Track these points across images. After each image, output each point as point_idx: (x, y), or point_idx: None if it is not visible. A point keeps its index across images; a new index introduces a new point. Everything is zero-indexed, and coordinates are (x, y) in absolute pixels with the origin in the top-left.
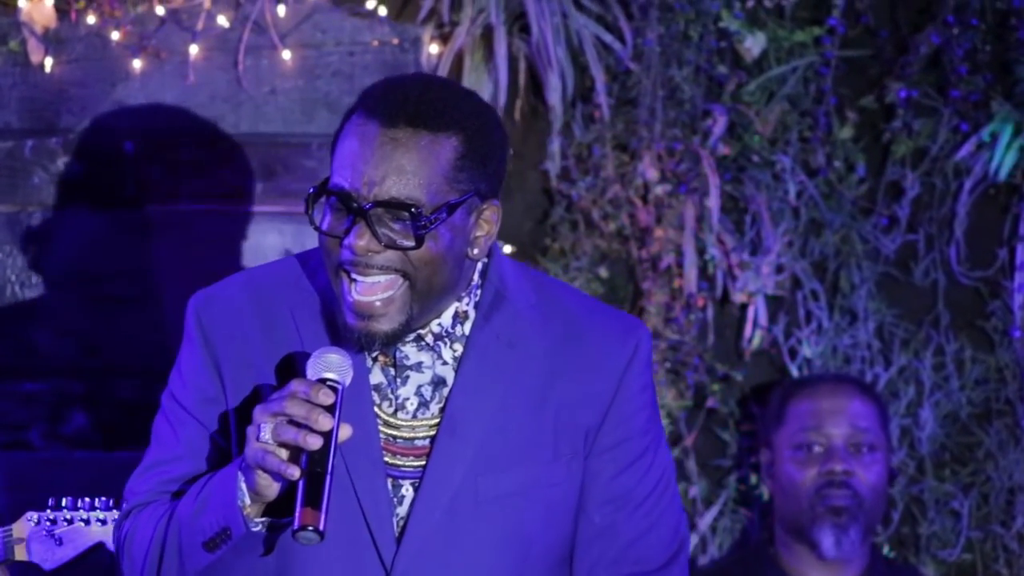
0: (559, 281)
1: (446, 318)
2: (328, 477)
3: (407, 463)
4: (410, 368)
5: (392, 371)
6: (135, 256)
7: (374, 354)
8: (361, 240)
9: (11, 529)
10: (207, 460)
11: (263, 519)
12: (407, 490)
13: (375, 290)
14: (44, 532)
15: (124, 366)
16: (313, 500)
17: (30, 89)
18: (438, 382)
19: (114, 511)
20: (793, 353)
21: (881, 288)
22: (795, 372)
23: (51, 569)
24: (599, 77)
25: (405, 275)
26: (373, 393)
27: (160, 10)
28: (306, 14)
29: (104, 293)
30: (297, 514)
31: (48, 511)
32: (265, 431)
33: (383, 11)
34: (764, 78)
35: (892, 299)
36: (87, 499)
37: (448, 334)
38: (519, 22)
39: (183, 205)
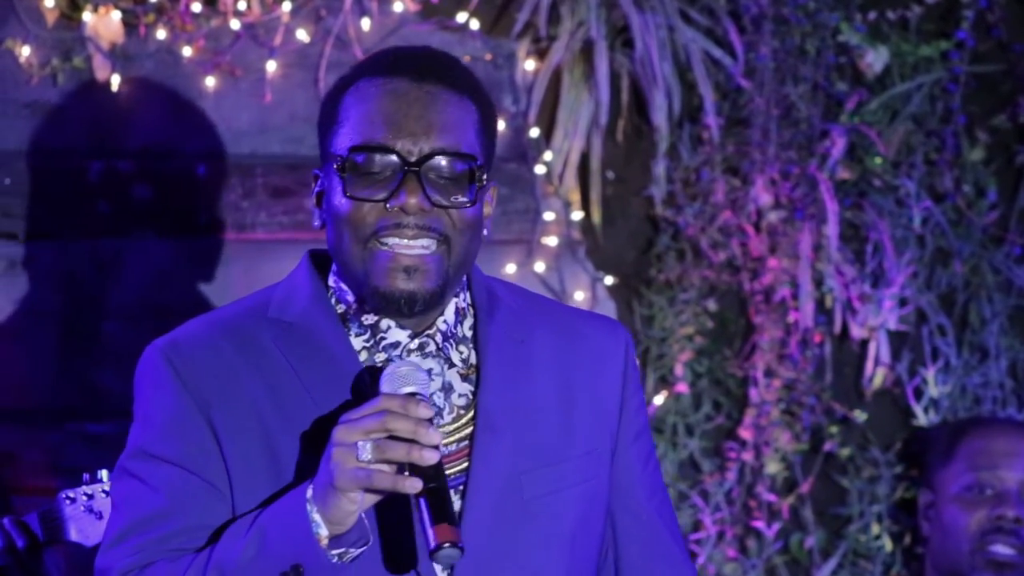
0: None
1: (449, 314)
2: (450, 491)
3: None
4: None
5: None
6: (208, 288)
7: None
8: (413, 198)
9: (47, 510)
10: (202, 511)
11: (340, 550)
12: None
13: (415, 248)
14: (83, 509)
15: None
16: (444, 516)
17: (95, 109)
18: (447, 389)
19: None
20: (918, 393)
21: (1015, 323)
22: (920, 413)
23: (94, 546)
24: (708, 95)
25: (445, 240)
26: None
27: (235, 24)
28: (392, 28)
29: (174, 328)
30: (431, 533)
31: (84, 486)
32: (365, 450)
33: (475, 24)
34: (887, 96)
35: None
36: None
37: (452, 334)
38: (622, 36)
39: (259, 234)
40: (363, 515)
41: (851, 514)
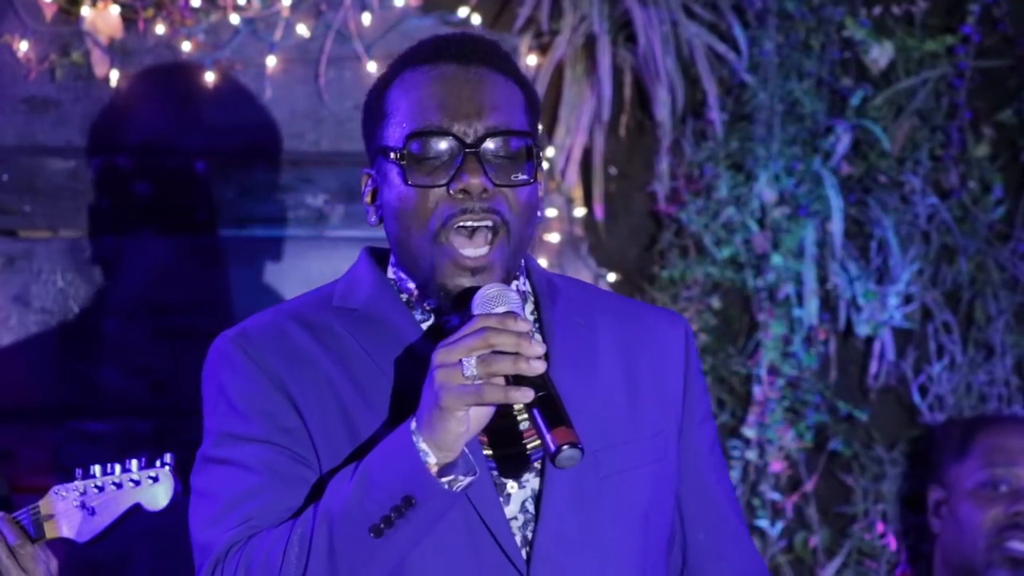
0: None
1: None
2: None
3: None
4: None
5: None
6: (207, 285)
7: None
8: (475, 178)
9: (38, 506)
10: (298, 482)
11: (449, 477)
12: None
13: (480, 242)
14: (75, 505)
15: (195, 405)
16: (558, 420)
17: (94, 104)
18: None
19: (149, 470)
20: (923, 391)
21: (1020, 320)
22: (925, 411)
23: (86, 542)
24: (712, 90)
25: (504, 223)
26: None
27: (235, 19)
28: (393, 23)
29: (173, 325)
30: (549, 438)
31: (76, 482)
32: (470, 366)
33: (477, 19)
34: (892, 91)
35: None
36: (116, 463)
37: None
38: (624, 31)
39: (259, 230)
40: (466, 449)
41: (856, 512)
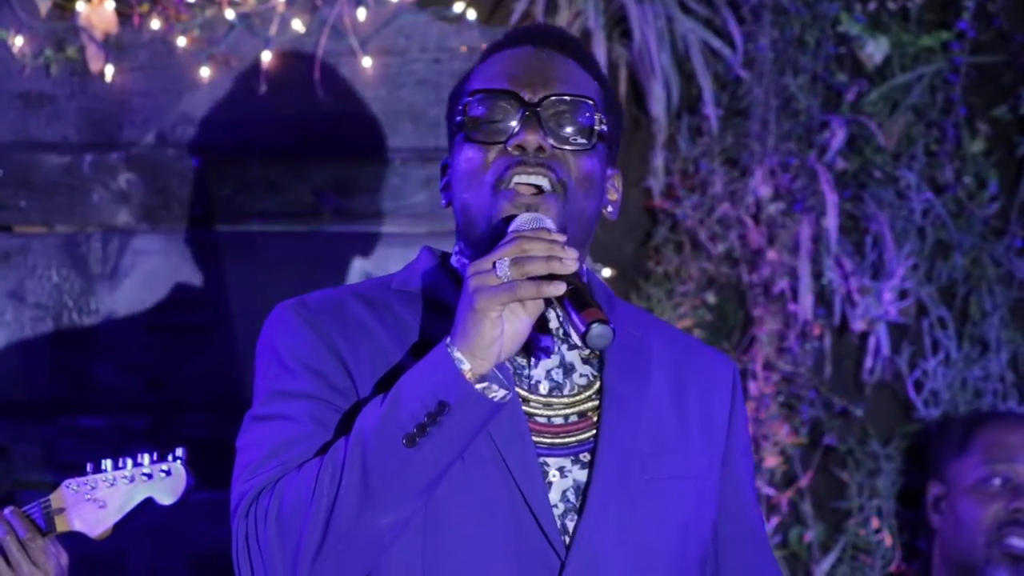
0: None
1: None
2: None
3: (543, 440)
4: (542, 350)
5: (524, 352)
6: (202, 281)
7: None
8: (532, 134)
9: (49, 500)
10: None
11: (484, 384)
12: (546, 466)
13: (533, 179)
14: (86, 499)
15: (191, 401)
16: (587, 304)
17: (89, 100)
18: (568, 368)
19: (161, 464)
20: (918, 386)
21: (1015, 315)
22: (921, 406)
23: (97, 536)
24: (707, 86)
25: (560, 183)
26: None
27: (230, 14)
28: (388, 18)
29: (169, 321)
30: (577, 320)
31: (88, 476)
32: (504, 267)
33: (472, 15)
34: (887, 87)
35: None
36: (128, 457)
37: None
38: (620, 27)
39: (254, 226)
40: (497, 370)
41: (851, 508)
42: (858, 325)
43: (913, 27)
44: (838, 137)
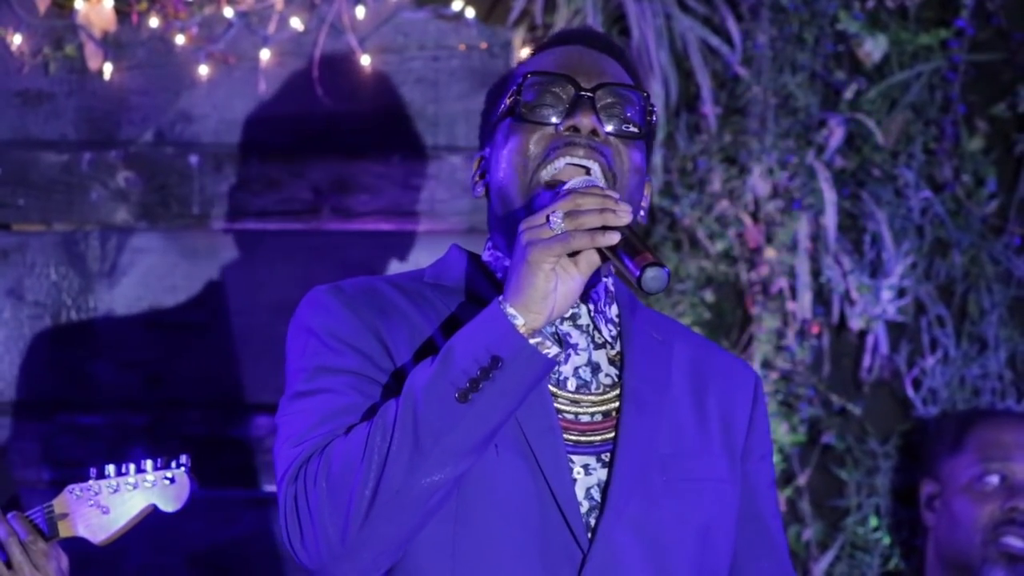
0: None
1: (600, 290)
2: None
3: (569, 436)
4: (571, 347)
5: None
6: (200, 279)
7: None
8: (586, 118)
9: (52, 505)
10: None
11: (538, 339)
12: (571, 463)
13: (584, 162)
14: (89, 504)
15: (189, 398)
16: (640, 250)
17: (87, 98)
18: (595, 367)
19: (164, 471)
20: (917, 384)
21: (1014, 313)
22: (919, 405)
23: (100, 542)
24: (705, 84)
25: (611, 170)
26: None
27: (228, 12)
28: (387, 16)
29: (167, 319)
30: (631, 264)
31: (91, 482)
32: (557, 218)
33: (471, 13)
34: (885, 85)
35: None
36: (131, 463)
37: (602, 311)
38: (619, 24)
39: (252, 223)
40: (545, 333)
41: (849, 506)
42: (856, 323)
43: (912, 25)
44: (836, 135)
